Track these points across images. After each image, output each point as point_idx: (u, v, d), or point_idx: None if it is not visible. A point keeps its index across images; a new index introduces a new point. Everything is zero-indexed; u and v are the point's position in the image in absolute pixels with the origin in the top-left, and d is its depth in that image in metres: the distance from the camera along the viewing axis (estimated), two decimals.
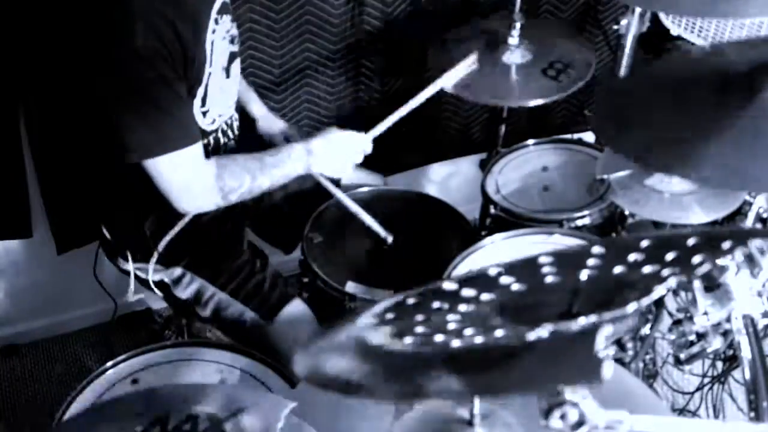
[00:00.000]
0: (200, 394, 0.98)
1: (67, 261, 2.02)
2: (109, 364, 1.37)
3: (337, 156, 1.57)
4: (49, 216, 2.00)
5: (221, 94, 1.52)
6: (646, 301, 0.71)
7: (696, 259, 0.75)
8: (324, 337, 0.81)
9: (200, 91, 1.45)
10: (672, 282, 0.73)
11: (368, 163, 1.92)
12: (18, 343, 2.23)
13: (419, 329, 0.74)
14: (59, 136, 1.86)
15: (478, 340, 0.71)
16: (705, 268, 0.74)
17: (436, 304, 0.78)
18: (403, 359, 0.72)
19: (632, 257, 0.78)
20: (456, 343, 0.71)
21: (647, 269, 0.76)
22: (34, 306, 2.19)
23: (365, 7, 2.00)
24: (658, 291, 0.72)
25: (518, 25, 1.86)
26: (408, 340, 0.73)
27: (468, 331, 0.72)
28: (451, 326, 0.74)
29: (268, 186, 1.49)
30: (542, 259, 0.80)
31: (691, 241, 0.77)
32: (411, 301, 0.79)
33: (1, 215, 1.95)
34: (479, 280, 0.78)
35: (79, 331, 2.27)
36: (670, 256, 0.76)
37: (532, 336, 0.70)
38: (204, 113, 1.49)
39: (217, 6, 1.46)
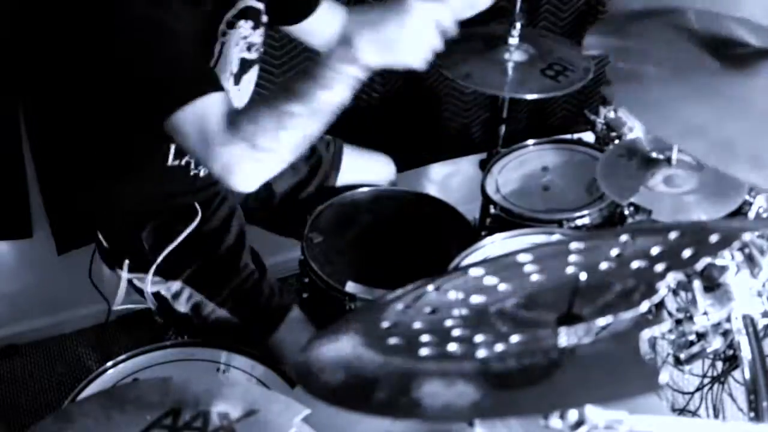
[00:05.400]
0: (215, 391, 0.98)
1: (66, 261, 2.02)
2: (109, 364, 1.37)
3: (402, 36, 1.14)
4: (49, 216, 2.00)
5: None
6: (656, 298, 0.71)
7: (686, 252, 0.75)
8: (322, 344, 0.80)
9: None
10: (672, 278, 0.73)
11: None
12: (18, 343, 2.22)
13: (424, 338, 0.73)
14: (59, 136, 1.86)
15: (498, 348, 0.70)
16: (702, 262, 0.74)
17: (426, 309, 0.77)
18: (428, 373, 0.70)
19: (615, 252, 0.78)
20: (482, 354, 0.70)
21: (635, 264, 0.76)
22: (34, 306, 2.19)
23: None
24: (663, 287, 0.72)
25: (518, 24, 1.86)
26: (423, 351, 0.72)
27: (479, 338, 0.72)
28: (456, 333, 0.73)
29: (311, 112, 1.17)
30: (522, 257, 0.80)
31: (672, 235, 0.77)
32: (400, 306, 0.78)
33: (1, 215, 1.95)
34: (462, 281, 0.77)
35: (79, 331, 2.27)
36: (655, 251, 0.76)
37: (561, 341, 0.70)
38: None
39: (234, 11, 1.41)
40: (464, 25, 2.01)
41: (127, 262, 1.57)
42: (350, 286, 1.55)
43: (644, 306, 0.69)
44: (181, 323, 1.64)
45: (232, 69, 1.47)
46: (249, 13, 1.45)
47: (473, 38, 1.95)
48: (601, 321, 0.70)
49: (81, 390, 1.32)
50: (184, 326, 1.64)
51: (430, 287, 0.81)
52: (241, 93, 1.53)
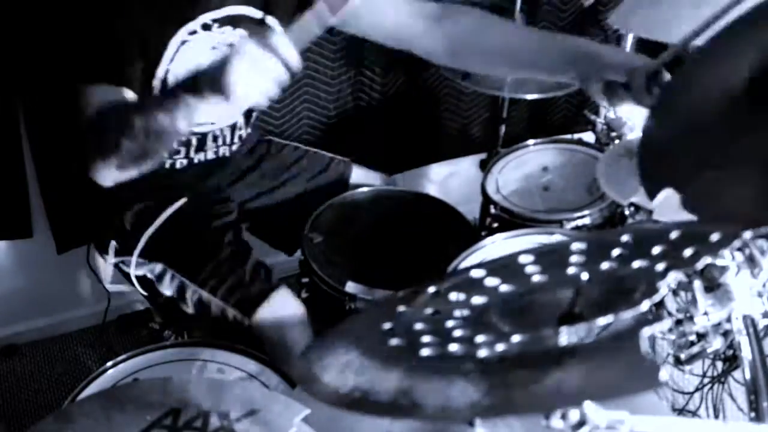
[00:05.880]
0: (215, 391, 0.98)
1: (67, 261, 2.02)
2: (109, 364, 1.37)
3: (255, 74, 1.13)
4: (49, 216, 2.00)
5: None
6: (657, 297, 0.71)
7: (687, 252, 0.75)
8: (323, 346, 0.80)
9: (156, 85, 1.40)
10: (672, 277, 0.73)
11: (370, 163, 1.93)
12: (18, 343, 2.23)
13: (425, 339, 0.73)
14: (59, 136, 1.86)
15: (499, 347, 0.70)
16: (703, 261, 0.74)
17: (428, 310, 0.77)
18: (429, 371, 0.70)
19: (616, 252, 0.78)
20: (483, 353, 0.70)
21: (637, 264, 0.76)
22: (34, 306, 2.19)
23: None
24: (664, 286, 0.72)
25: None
26: (425, 351, 0.72)
27: (480, 338, 0.71)
28: (457, 333, 0.73)
29: (147, 131, 1.21)
30: (523, 258, 0.80)
31: (673, 235, 0.77)
32: (402, 308, 0.78)
33: (1, 215, 1.95)
34: (464, 282, 0.77)
35: (79, 331, 2.27)
36: (656, 251, 0.76)
37: (562, 340, 0.69)
38: None
39: (217, 14, 1.39)
40: None
41: (113, 244, 1.57)
42: (350, 286, 1.55)
43: (645, 305, 0.69)
44: (170, 315, 1.64)
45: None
46: (237, 21, 1.42)
47: None
48: (602, 320, 0.70)
49: (81, 390, 1.32)
50: (179, 322, 1.64)
51: (432, 289, 0.81)
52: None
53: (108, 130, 1.25)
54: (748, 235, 0.79)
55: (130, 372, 1.36)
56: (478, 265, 0.81)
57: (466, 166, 2.41)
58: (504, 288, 0.78)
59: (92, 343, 2.24)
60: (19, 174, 1.90)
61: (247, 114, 1.61)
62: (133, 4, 1.30)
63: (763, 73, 1.01)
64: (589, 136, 2.12)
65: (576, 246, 0.80)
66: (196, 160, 1.58)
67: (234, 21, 1.41)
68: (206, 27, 1.40)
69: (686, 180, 0.98)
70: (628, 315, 0.69)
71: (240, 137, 1.63)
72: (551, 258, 0.80)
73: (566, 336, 0.70)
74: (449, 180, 2.50)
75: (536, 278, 0.79)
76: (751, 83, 1.02)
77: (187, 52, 1.40)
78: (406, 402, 0.67)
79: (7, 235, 2.01)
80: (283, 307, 1.52)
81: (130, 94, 1.31)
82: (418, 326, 0.75)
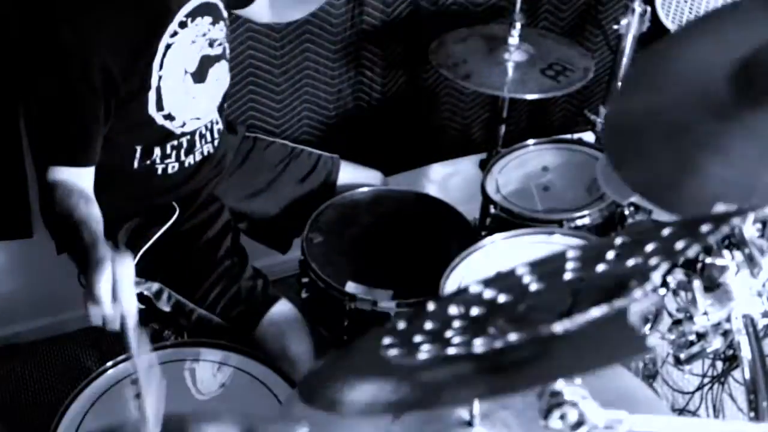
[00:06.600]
0: (213, 414, 0.98)
1: (67, 261, 2.01)
2: (109, 364, 1.37)
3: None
4: None
5: (188, 98, 1.49)
6: (649, 285, 0.71)
7: (679, 244, 0.75)
8: (329, 370, 0.79)
9: (151, 96, 1.43)
10: (664, 265, 0.73)
11: (368, 163, 1.93)
12: (18, 343, 2.22)
13: (424, 347, 0.74)
14: None
15: (497, 344, 0.70)
16: (693, 250, 0.74)
17: (428, 325, 0.77)
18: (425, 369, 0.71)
19: (611, 255, 0.78)
20: (479, 350, 0.70)
21: (631, 262, 0.76)
22: (34, 306, 2.19)
23: (365, 7, 2.00)
24: (656, 275, 0.72)
25: (518, 25, 1.86)
26: (422, 355, 0.72)
27: (478, 341, 0.72)
28: (456, 340, 0.74)
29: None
30: (519, 270, 0.80)
31: (665, 232, 0.77)
32: (402, 325, 0.78)
33: (1, 215, 1.95)
34: (462, 297, 0.77)
35: (79, 331, 2.26)
36: (649, 248, 0.76)
37: (557, 329, 0.70)
38: (166, 116, 1.48)
39: (187, 8, 1.43)
40: (464, 23, 2.03)
41: None
42: (350, 286, 1.55)
43: (638, 293, 0.69)
44: (172, 324, 1.64)
45: (187, 68, 1.48)
46: (205, 10, 1.47)
47: (473, 38, 1.95)
48: (597, 311, 0.70)
49: (81, 390, 1.32)
50: (178, 327, 1.64)
51: (431, 306, 0.81)
52: (207, 89, 1.54)
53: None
54: (737, 220, 0.79)
55: (130, 372, 1.36)
56: (475, 282, 0.81)
57: (466, 166, 2.41)
58: (502, 298, 0.78)
59: (92, 343, 2.24)
60: (19, 174, 1.90)
61: (219, 108, 1.63)
62: (117, 26, 1.35)
63: (749, 62, 0.99)
64: (589, 136, 2.12)
65: (571, 254, 0.80)
66: (186, 164, 1.59)
67: (201, 11, 1.46)
68: (183, 24, 1.43)
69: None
70: (621, 304, 0.69)
71: (219, 131, 1.64)
72: (547, 267, 0.80)
73: (560, 326, 0.70)
74: (449, 180, 2.50)
75: (533, 287, 0.79)
76: (738, 71, 1.00)
77: (173, 53, 1.43)
78: (408, 399, 0.67)
79: (7, 235, 2.01)
80: (280, 320, 1.51)
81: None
82: (418, 338, 0.75)
